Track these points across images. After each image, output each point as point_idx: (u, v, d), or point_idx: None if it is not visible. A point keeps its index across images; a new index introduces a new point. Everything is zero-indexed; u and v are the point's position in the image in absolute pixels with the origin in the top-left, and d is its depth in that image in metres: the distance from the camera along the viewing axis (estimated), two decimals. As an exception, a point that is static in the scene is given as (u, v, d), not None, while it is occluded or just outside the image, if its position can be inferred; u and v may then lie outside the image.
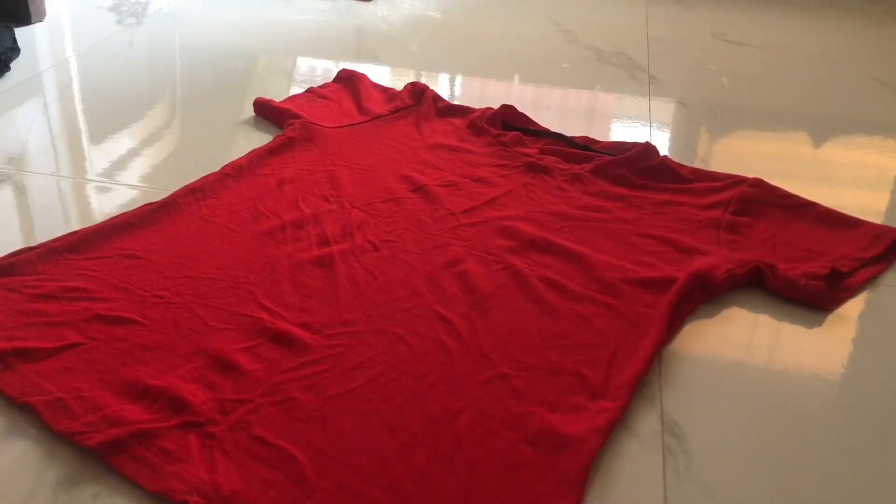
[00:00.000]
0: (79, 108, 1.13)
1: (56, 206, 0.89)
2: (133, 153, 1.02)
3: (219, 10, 1.56)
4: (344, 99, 1.13)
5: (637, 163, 0.94)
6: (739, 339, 0.72)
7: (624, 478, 0.57)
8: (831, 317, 0.75)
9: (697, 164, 1.00)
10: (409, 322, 0.70)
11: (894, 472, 0.58)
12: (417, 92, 1.12)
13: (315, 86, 1.17)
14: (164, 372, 0.63)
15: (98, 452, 0.56)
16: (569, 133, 1.03)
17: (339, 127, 1.04)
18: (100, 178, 0.95)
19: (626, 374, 0.64)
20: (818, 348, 0.71)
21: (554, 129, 1.04)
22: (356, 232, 0.82)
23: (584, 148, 1.00)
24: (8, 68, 1.23)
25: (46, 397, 0.60)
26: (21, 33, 1.36)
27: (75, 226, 0.83)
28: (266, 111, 1.10)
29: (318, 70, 1.28)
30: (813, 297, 0.75)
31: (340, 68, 1.21)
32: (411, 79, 1.26)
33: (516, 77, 1.29)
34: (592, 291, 0.74)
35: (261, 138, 1.04)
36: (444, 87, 1.25)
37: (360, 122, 1.06)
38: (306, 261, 0.78)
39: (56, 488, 0.55)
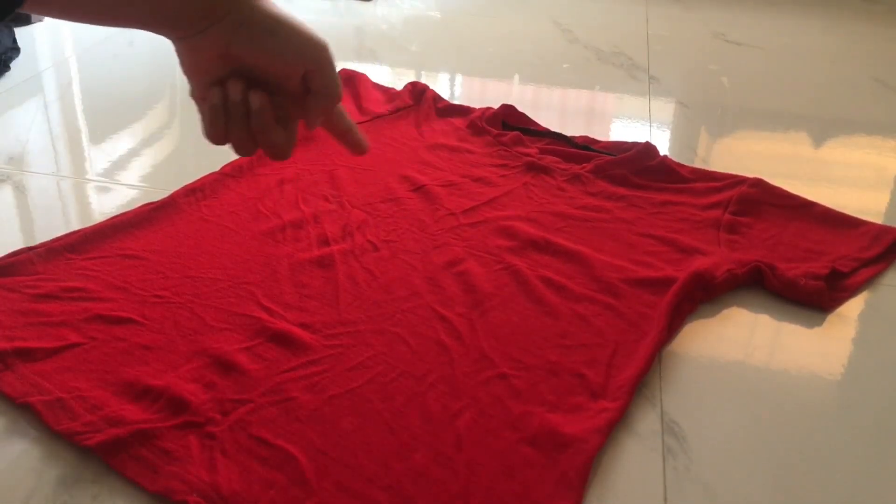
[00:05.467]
0: (79, 108, 1.13)
1: (56, 206, 0.89)
2: (133, 153, 1.02)
3: (219, 10, 1.55)
4: (344, 99, 1.13)
5: (637, 163, 0.94)
6: (739, 339, 0.72)
7: (624, 478, 0.57)
8: (831, 317, 0.75)
9: (697, 164, 1.00)
10: (409, 322, 0.70)
11: (894, 472, 0.58)
12: (417, 92, 1.12)
13: (315, 86, 1.17)
14: (164, 372, 0.63)
15: (98, 452, 0.57)
16: (569, 133, 1.03)
17: (339, 127, 1.04)
18: (100, 178, 0.95)
19: (626, 374, 0.64)
20: (818, 348, 0.71)
21: (554, 129, 1.04)
22: (356, 232, 0.82)
23: (584, 148, 1.00)
24: (8, 68, 1.23)
25: (46, 397, 0.60)
26: (21, 33, 1.36)
27: (75, 226, 0.83)
28: (266, 111, 1.10)
29: (318, 70, 1.28)
30: (813, 297, 0.75)
31: (340, 68, 1.21)
32: (411, 79, 1.25)
33: (516, 77, 1.29)
34: (592, 291, 0.74)
35: (261, 138, 1.04)
36: (444, 87, 1.25)
37: (360, 122, 1.06)
38: (306, 261, 0.78)
39: (56, 488, 0.55)
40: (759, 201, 0.88)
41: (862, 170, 1.02)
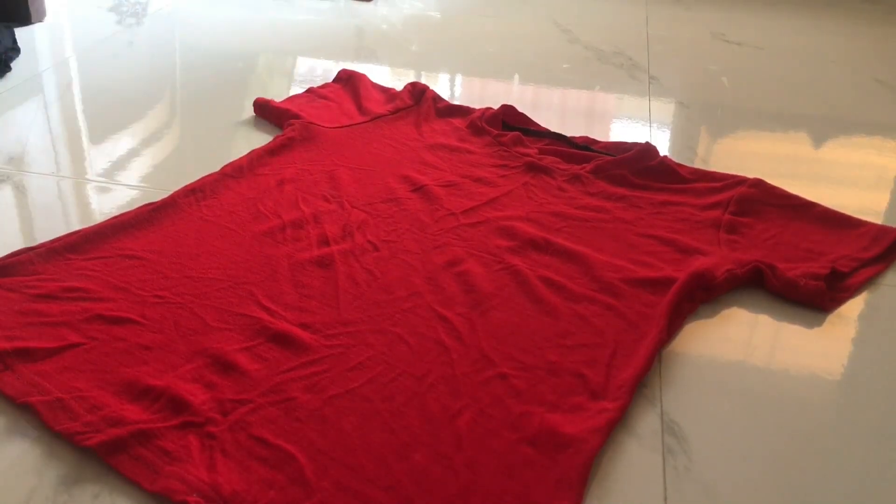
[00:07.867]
0: (79, 108, 1.13)
1: (56, 206, 0.89)
2: (133, 153, 1.02)
3: (219, 10, 1.56)
4: (344, 99, 1.13)
5: (637, 163, 0.94)
6: (739, 339, 0.72)
7: (624, 478, 0.57)
8: (831, 317, 0.75)
9: (697, 164, 1.00)
10: (409, 322, 0.70)
11: (894, 471, 0.58)
12: (417, 92, 1.12)
13: (315, 86, 1.17)
14: (164, 372, 0.63)
15: (98, 452, 0.56)
16: (569, 133, 1.03)
17: (339, 127, 1.04)
18: (100, 178, 0.95)
19: (626, 374, 0.64)
20: (818, 348, 0.71)
21: (554, 129, 1.04)
22: (356, 232, 0.82)
23: (584, 148, 1.00)
24: (8, 68, 1.23)
25: (46, 397, 0.60)
26: (21, 33, 1.36)
27: (75, 226, 0.83)
28: (266, 111, 1.10)
29: (318, 70, 1.28)
30: (813, 297, 0.75)
31: (340, 68, 1.21)
32: (411, 79, 1.26)
33: (516, 77, 1.29)
34: (592, 291, 0.74)
35: (261, 138, 1.04)
36: (444, 87, 1.25)
37: (360, 123, 1.06)
38: (306, 261, 0.78)
39: (56, 488, 0.55)
40: (759, 201, 0.88)
41: (862, 170, 1.02)
